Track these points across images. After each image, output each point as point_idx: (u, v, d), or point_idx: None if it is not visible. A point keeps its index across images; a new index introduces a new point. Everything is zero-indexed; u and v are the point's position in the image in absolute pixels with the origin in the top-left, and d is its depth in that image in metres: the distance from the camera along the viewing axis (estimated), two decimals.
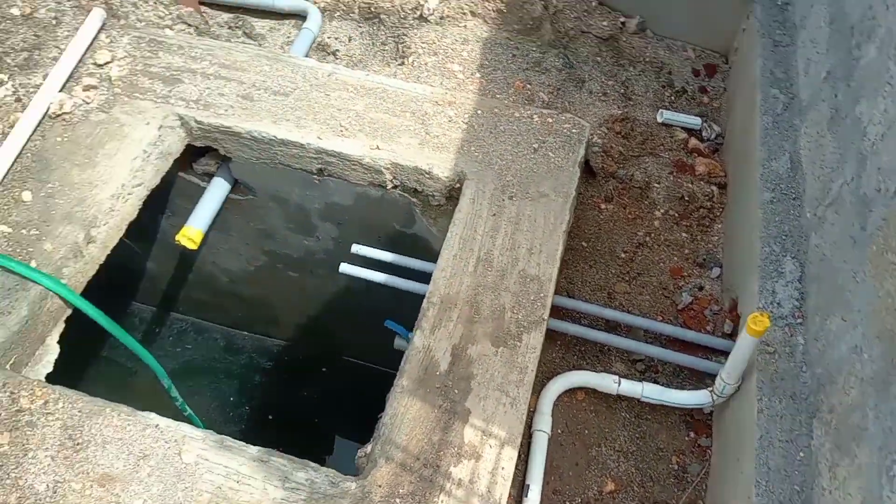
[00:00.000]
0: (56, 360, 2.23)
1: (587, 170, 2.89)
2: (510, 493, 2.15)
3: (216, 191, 2.92)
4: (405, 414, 1.93)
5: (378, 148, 2.55)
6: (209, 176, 3.00)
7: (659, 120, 3.18)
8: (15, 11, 2.89)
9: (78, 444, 1.86)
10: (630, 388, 2.29)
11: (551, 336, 2.52)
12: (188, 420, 2.83)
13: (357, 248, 2.62)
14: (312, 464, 1.86)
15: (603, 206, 2.87)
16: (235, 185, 2.99)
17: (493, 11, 3.18)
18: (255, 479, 1.81)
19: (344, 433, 4.18)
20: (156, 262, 3.66)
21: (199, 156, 2.96)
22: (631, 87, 3.32)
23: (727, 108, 3.24)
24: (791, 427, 1.85)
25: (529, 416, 2.30)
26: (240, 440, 1.91)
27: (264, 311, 3.87)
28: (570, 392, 2.39)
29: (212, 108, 2.67)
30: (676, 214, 2.89)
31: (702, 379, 2.44)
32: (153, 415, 1.92)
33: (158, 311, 4.22)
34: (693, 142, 3.14)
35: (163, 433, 1.88)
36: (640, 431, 2.37)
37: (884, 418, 1.46)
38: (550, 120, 2.67)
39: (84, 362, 3.87)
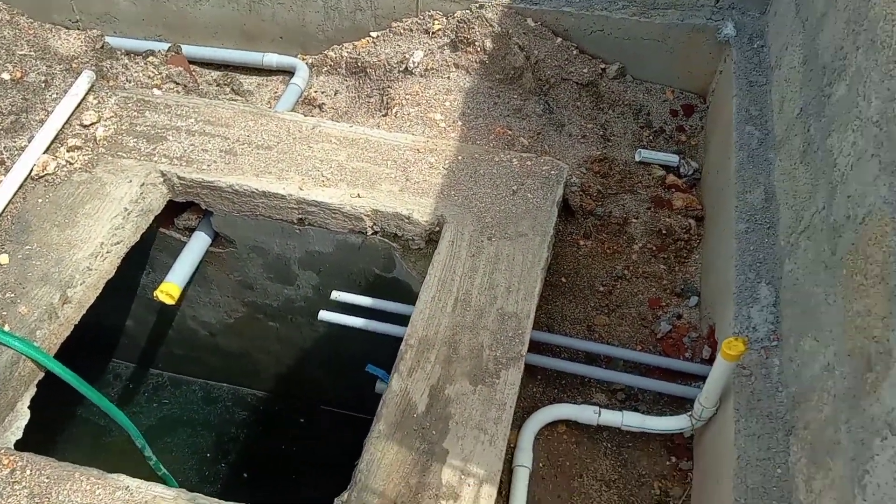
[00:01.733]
0: (27, 424, 2.22)
1: (566, 209, 2.95)
2: None
3: (196, 245, 2.98)
4: (382, 459, 1.92)
5: (359, 196, 2.61)
6: (190, 230, 3.07)
7: (637, 159, 3.26)
8: (5, 76, 3.01)
9: None
10: (610, 417, 2.32)
11: (532, 371, 2.54)
12: (163, 480, 2.80)
13: (336, 295, 2.65)
14: None
15: (582, 243, 2.92)
16: (216, 238, 3.05)
17: (476, 63, 3.30)
18: None
19: (323, 483, 4.15)
20: (134, 318, 3.70)
21: (181, 211, 3.03)
22: (610, 129, 3.41)
23: (704, 145, 3.32)
24: (769, 445, 1.86)
25: (510, 452, 2.29)
26: (216, 496, 1.89)
27: (243, 362, 3.88)
28: (552, 426, 2.40)
29: (195, 164, 2.75)
30: (654, 247, 2.93)
31: (682, 404, 2.45)
32: (124, 476, 1.92)
33: (137, 367, 4.23)
34: (671, 178, 3.21)
35: (133, 495, 1.87)
36: (622, 460, 2.37)
37: (855, 431, 1.46)
38: (529, 163, 2.74)
39: (59, 422, 3.86)
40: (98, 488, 1.88)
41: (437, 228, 2.55)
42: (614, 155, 3.28)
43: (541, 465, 2.36)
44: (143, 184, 2.68)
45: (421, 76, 3.30)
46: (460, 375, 2.10)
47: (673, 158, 3.26)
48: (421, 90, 3.28)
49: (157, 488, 1.89)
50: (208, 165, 2.75)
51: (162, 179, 2.75)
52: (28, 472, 1.91)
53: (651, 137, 3.41)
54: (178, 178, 2.74)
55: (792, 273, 2.13)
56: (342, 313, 2.63)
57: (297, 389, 4.03)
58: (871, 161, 1.71)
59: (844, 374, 1.58)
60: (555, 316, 2.76)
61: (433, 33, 3.35)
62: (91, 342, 3.91)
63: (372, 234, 2.66)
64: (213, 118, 2.93)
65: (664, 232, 2.97)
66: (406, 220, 2.56)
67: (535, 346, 2.61)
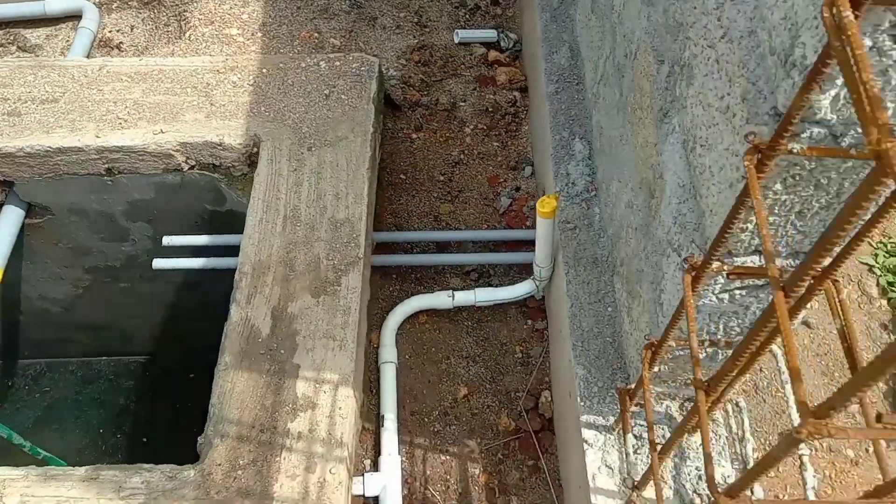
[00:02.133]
0: None
1: (391, 104, 2.90)
2: (366, 428, 2.21)
3: (9, 219, 2.74)
4: (233, 389, 1.91)
5: (162, 132, 2.46)
6: None
7: (456, 41, 3.22)
8: None
9: None
10: (464, 297, 2.40)
11: (386, 272, 2.56)
12: (45, 463, 2.70)
13: (168, 240, 2.54)
14: (146, 465, 1.82)
15: (414, 136, 2.90)
16: (30, 209, 2.82)
17: None
18: (88, 499, 1.75)
19: None
20: None
21: None
22: (425, 15, 3.34)
23: (519, 15, 3.32)
24: (597, 289, 1.98)
25: (375, 353, 2.34)
26: (132, 466, 1.82)
27: (111, 331, 3.71)
28: (413, 319, 2.45)
29: None
30: (485, 126, 2.96)
31: (530, 271, 2.56)
32: None
33: (6, 361, 3.97)
34: (493, 54, 3.20)
35: None
36: (484, 334, 2.48)
37: (650, 256, 1.57)
38: (338, 63, 2.65)
39: None
40: None
41: (255, 150, 2.46)
42: (433, 41, 3.22)
43: (407, 356, 2.42)
44: None
45: None
46: (301, 291, 2.08)
47: (491, 34, 3.25)
48: (215, 7, 3.07)
49: (4, 470, 1.81)
50: None
51: None
52: None
53: (468, 17, 3.37)
54: None
55: (598, 123, 2.20)
56: (178, 258, 2.52)
57: (177, 344, 3.91)
58: None
59: (639, 207, 1.68)
60: (401, 214, 2.77)
61: None
62: None
63: (189, 168, 2.52)
64: None
65: (491, 109, 2.99)
66: (219, 147, 2.44)
67: (385, 247, 2.63)
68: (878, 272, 2.30)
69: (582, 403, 1.80)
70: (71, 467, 1.82)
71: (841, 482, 1.90)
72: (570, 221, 2.14)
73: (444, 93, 3.03)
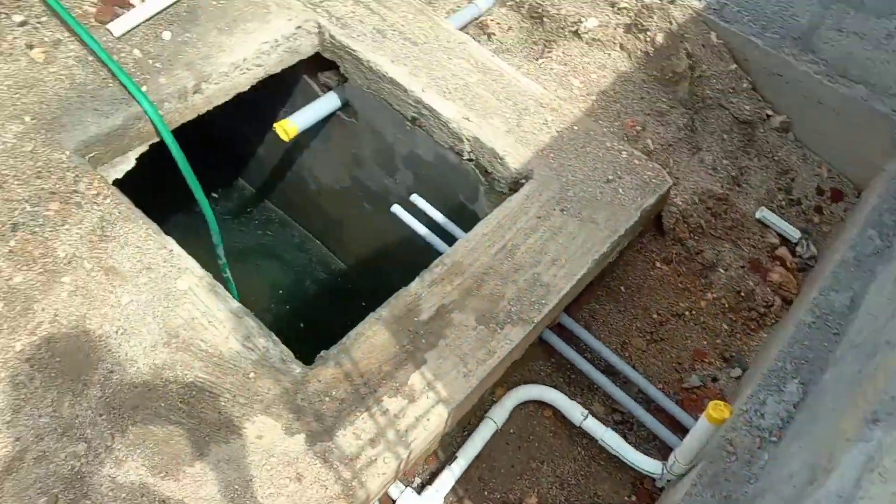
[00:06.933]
0: (132, 170, 2.67)
1: (657, 225, 3.04)
2: (437, 454, 2.39)
3: (326, 102, 3.33)
4: (371, 337, 2.20)
5: (468, 119, 2.84)
6: (328, 88, 3.42)
7: (757, 216, 3.25)
8: None
9: (105, 235, 2.27)
10: (594, 427, 2.44)
11: (548, 350, 2.70)
12: (225, 283, 3.22)
13: (415, 198, 2.93)
14: (276, 338, 2.17)
15: (658, 265, 3.01)
16: (346, 105, 3.39)
17: (640, 51, 3.39)
18: (224, 327, 2.15)
19: None
20: (266, 149, 4.16)
21: (326, 68, 3.38)
22: (746, 176, 3.41)
23: (832, 237, 3.26)
24: None
25: (488, 403, 2.50)
26: (276, 330, 2.21)
27: (336, 230, 4.28)
28: (540, 406, 2.56)
29: (348, 29, 3.06)
30: (727, 305, 2.97)
31: (668, 454, 2.53)
32: (171, 241, 2.31)
33: (256, 194, 4.75)
34: (782, 251, 3.19)
35: (172, 257, 2.26)
36: (587, 472, 2.50)
37: None
38: (637, 162, 2.85)
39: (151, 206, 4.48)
40: (151, 240, 2.28)
41: (522, 181, 2.74)
42: (735, 201, 3.29)
43: (511, 430, 2.53)
44: (298, 26, 3.03)
45: (586, 43, 3.43)
46: (470, 309, 2.32)
47: (795, 233, 3.22)
48: (577, 54, 3.41)
49: (192, 263, 2.27)
50: (358, 35, 3.05)
51: (317, 30, 3.09)
52: (108, 201, 2.34)
53: (784, 203, 3.38)
54: (330, 35, 3.06)
55: (826, 382, 2.16)
56: (412, 216, 2.90)
57: (372, 273, 4.37)
58: None
59: (797, 485, 1.67)
60: (597, 317, 2.88)
61: (617, 8, 3.46)
62: (224, 157, 4.46)
63: (467, 159, 2.89)
64: None
65: (744, 296, 2.99)
66: (499, 161, 2.77)
67: (563, 331, 2.76)
68: None
69: None
70: (231, 297, 2.23)
71: None
72: (733, 446, 2.12)
73: (712, 250, 3.09)
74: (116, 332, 2.08)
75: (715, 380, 2.77)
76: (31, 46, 2.65)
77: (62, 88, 2.57)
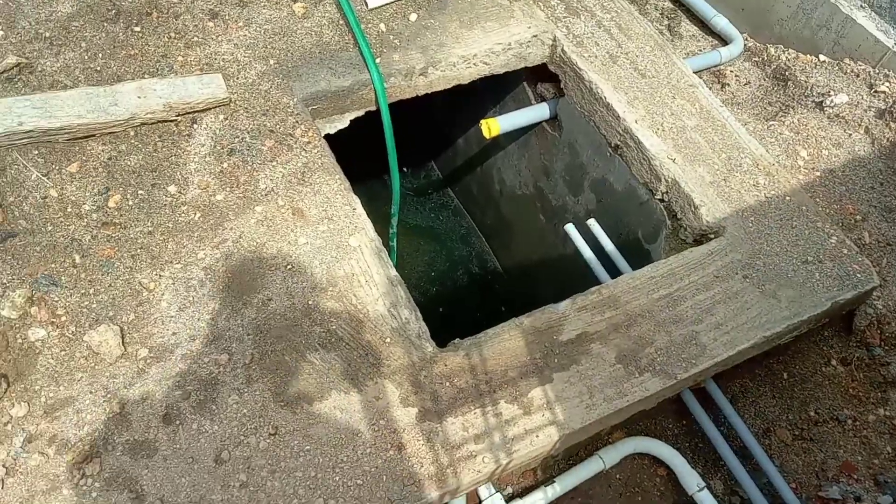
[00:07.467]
0: (342, 129, 2.92)
1: (846, 321, 2.76)
2: (534, 471, 2.38)
3: (536, 111, 3.41)
4: (505, 340, 2.23)
5: (673, 160, 2.76)
6: (542, 99, 3.49)
7: None
8: None
9: (303, 180, 2.51)
10: (707, 500, 2.32)
11: (682, 412, 2.59)
12: (389, 251, 3.44)
13: (591, 223, 2.90)
14: (420, 314, 2.28)
15: (833, 363, 2.74)
16: (553, 119, 3.44)
17: (887, 140, 3.09)
18: (377, 290, 2.29)
19: None
20: (465, 140, 4.35)
21: (547, 80, 3.45)
22: None
23: None
24: None
25: (601, 441, 2.45)
26: (418, 307, 2.33)
27: (504, 234, 4.38)
28: (655, 462, 2.47)
29: (581, 48, 3.10)
30: None
31: None
32: (357, 200, 2.49)
33: (443, 179, 4.98)
34: None
35: (352, 214, 2.45)
36: None
37: None
38: (845, 251, 2.61)
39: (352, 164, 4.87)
40: (339, 195, 2.49)
41: (711, 236, 2.62)
42: None
43: (617, 476, 2.47)
44: (535, 35, 3.12)
45: (827, 117, 3.19)
46: (612, 346, 2.27)
47: None
48: (814, 126, 3.18)
49: (368, 223, 2.44)
50: (589, 56, 3.08)
51: (552, 42, 3.16)
52: (315, 150, 2.58)
53: None
54: (562, 50, 3.12)
55: None
56: (583, 237, 2.89)
57: (525, 276, 4.43)
58: None
59: None
60: (747, 395, 2.70)
61: (875, 91, 3.18)
62: (423, 137, 4.72)
63: (658, 199, 2.81)
64: (624, 25, 3.22)
65: None
66: (692, 209, 2.66)
67: (707, 400, 2.62)
68: None
69: None
70: (392, 266, 2.37)
71: None
72: None
73: None
74: (286, 266, 2.30)
75: (858, 500, 2.48)
76: (296, 0, 2.99)
77: (309, 43, 2.87)
